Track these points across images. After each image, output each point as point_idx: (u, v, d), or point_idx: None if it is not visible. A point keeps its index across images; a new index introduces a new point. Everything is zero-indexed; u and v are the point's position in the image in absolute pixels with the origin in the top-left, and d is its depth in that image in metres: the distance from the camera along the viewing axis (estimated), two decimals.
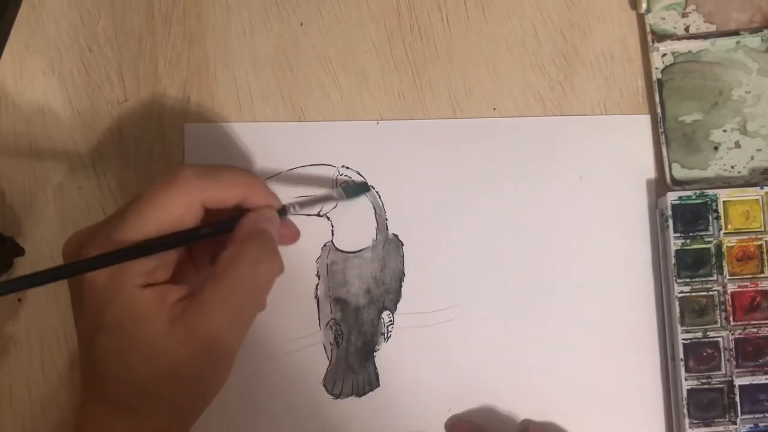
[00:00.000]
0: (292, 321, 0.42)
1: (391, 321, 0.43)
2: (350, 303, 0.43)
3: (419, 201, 0.43)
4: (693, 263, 0.42)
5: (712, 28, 0.44)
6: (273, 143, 0.43)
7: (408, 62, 0.44)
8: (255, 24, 0.44)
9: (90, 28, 0.44)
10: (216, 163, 0.36)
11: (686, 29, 0.44)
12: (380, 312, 0.43)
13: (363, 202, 0.43)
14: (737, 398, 0.41)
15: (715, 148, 0.44)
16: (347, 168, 0.43)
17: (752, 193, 0.42)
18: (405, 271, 0.43)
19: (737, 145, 0.44)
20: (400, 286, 0.43)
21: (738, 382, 0.41)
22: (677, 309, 0.41)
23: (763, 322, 0.41)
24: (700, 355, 0.41)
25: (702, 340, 0.41)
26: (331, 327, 0.43)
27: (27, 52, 0.44)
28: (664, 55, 0.44)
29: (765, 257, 0.42)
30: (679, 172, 0.44)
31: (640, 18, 0.45)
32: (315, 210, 0.43)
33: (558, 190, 0.44)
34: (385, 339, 0.43)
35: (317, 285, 0.43)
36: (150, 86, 0.44)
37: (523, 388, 0.42)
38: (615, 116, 0.44)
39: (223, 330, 0.32)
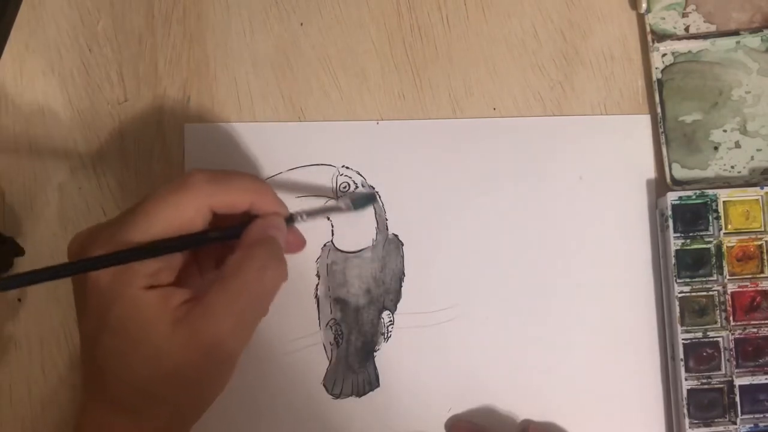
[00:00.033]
0: (292, 321, 0.42)
1: (391, 321, 0.43)
2: (350, 303, 0.43)
3: (419, 201, 0.43)
4: (693, 263, 0.42)
5: (712, 28, 0.44)
6: (273, 143, 0.43)
7: (408, 62, 0.44)
8: (255, 24, 0.44)
9: (90, 28, 0.44)
10: (224, 168, 0.36)
11: (686, 29, 0.44)
12: (380, 312, 0.43)
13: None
14: (737, 398, 0.41)
15: (715, 148, 0.44)
16: (347, 168, 0.43)
17: (752, 193, 0.42)
18: (405, 271, 0.43)
19: (737, 145, 0.44)
20: (400, 286, 0.43)
21: (738, 382, 0.41)
22: (677, 309, 0.41)
23: (763, 322, 0.41)
24: (700, 355, 0.41)
25: (702, 340, 0.41)
26: (331, 327, 0.43)
27: (27, 52, 0.44)
28: (664, 55, 0.44)
29: (765, 257, 0.42)
30: (679, 172, 0.44)
31: (640, 18, 0.45)
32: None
33: (558, 190, 0.44)
34: (385, 339, 0.43)
35: (317, 285, 0.43)
36: (150, 86, 0.44)
37: (523, 388, 0.42)
38: (615, 116, 0.44)
39: (227, 334, 0.32)
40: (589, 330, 0.43)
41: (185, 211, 0.33)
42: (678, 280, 0.42)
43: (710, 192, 0.42)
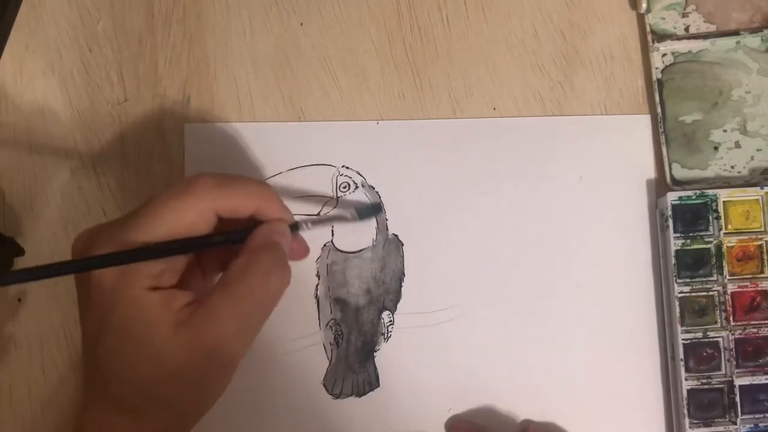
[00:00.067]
0: (292, 321, 0.42)
1: (391, 321, 0.43)
2: (350, 303, 0.43)
3: (419, 201, 0.43)
4: (693, 263, 0.42)
5: (712, 28, 0.44)
6: (273, 143, 0.43)
7: (408, 62, 0.44)
8: (255, 24, 0.44)
9: (90, 28, 0.44)
10: (232, 174, 0.36)
11: (686, 29, 0.44)
12: (380, 312, 0.43)
13: (363, 201, 0.43)
14: (737, 398, 0.41)
15: (715, 148, 0.44)
16: (347, 168, 0.43)
17: (752, 193, 0.42)
18: (405, 271, 0.43)
19: (737, 145, 0.44)
20: (400, 286, 0.43)
21: (738, 382, 0.41)
22: (677, 309, 0.41)
23: (763, 322, 0.41)
24: (700, 355, 0.41)
25: (702, 340, 0.41)
26: (331, 327, 0.43)
27: (27, 52, 0.44)
28: (664, 55, 0.44)
29: (765, 257, 0.42)
30: (679, 172, 0.44)
31: (640, 18, 0.45)
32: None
33: (558, 190, 0.44)
34: (385, 339, 0.43)
35: (317, 285, 0.43)
36: (150, 86, 0.44)
37: (523, 388, 0.42)
38: (615, 116, 0.44)
39: (230, 338, 0.32)
40: (589, 330, 0.43)
41: (190, 214, 0.33)
42: (678, 280, 0.42)
43: (710, 192, 0.42)
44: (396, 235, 0.43)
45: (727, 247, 0.42)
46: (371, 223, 0.43)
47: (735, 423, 0.41)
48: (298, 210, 0.42)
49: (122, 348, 0.32)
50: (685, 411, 0.41)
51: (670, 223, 0.42)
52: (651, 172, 0.44)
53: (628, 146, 0.44)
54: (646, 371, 0.43)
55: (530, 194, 0.44)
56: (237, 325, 0.33)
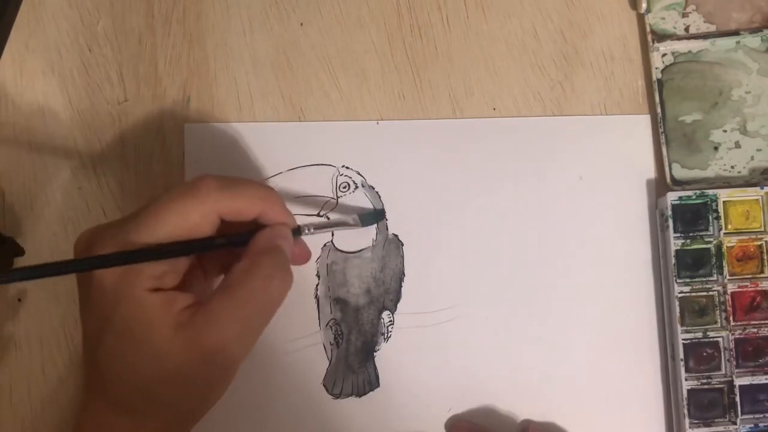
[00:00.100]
0: (292, 321, 0.42)
1: (391, 321, 0.43)
2: (350, 303, 0.43)
3: (419, 201, 0.43)
4: (693, 263, 0.42)
5: (712, 28, 0.44)
6: (273, 143, 0.43)
7: (408, 62, 0.44)
8: (255, 24, 0.44)
9: (90, 28, 0.44)
10: (236, 176, 0.36)
11: (686, 29, 0.44)
12: (380, 312, 0.43)
13: (363, 202, 0.43)
14: (737, 398, 0.41)
15: (715, 148, 0.44)
16: (347, 168, 0.43)
17: (752, 193, 0.42)
18: (405, 271, 0.43)
19: (737, 145, 0.44)
20: (400, 286, 0.43)
21: (738, 382, 0.41)
22: (677, 309, 0.41)
23: (763, 322, 0.41)
24: (700, 355, 0.41)
25: (702, 340, 0.41)
26: (331, 327, 0.43)
27: (27, 52, 0.44)
28: (664, 55, 0.44)
29: (765, 257, 0.42)
30: (679, 172, 0.44)
31: (640, 18, 0.45)
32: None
33: (558, 190, 0.44)
34: (385, 339, 0.43)
35: (317, 285, 0.43)
36: (150, 86, 0.44)
37: (523, 388, 0.42)
38: (615, 116, 0.44)
39: (231, 341, 0.32)
40: (589, 330, 0.43)
41: (193, 216, 0.33)
42: (678, 280, 0.42)
43: (710, 192, 0.42)
44: (396, 235, 0.43)
45: (727, 247, 0.42)
46: None
47: (735, 423, 0.41)
48: (298, 210, 0.42)
49: (123, 348, 0.32)
50: (685, 411, 0.41)
51: (670, 223, 0.42)
52: (651, 172, 0.44)
53: (628, 146, 0.44)
54: (646, 371, 0.43)
55: (530, 194, 0.44)
56: (238, 329, 0.33)
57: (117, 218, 0.35)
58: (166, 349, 0.32)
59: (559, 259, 0.43)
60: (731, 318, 0.41)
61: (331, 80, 0.44)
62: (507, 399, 0.42)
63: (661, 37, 0.44)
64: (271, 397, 0.42)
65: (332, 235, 0.43)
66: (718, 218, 0.42)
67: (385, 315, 0.43)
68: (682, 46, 0.44)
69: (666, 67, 0.44)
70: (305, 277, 0.43)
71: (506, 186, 0.44)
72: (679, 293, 0.42)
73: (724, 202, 0.42)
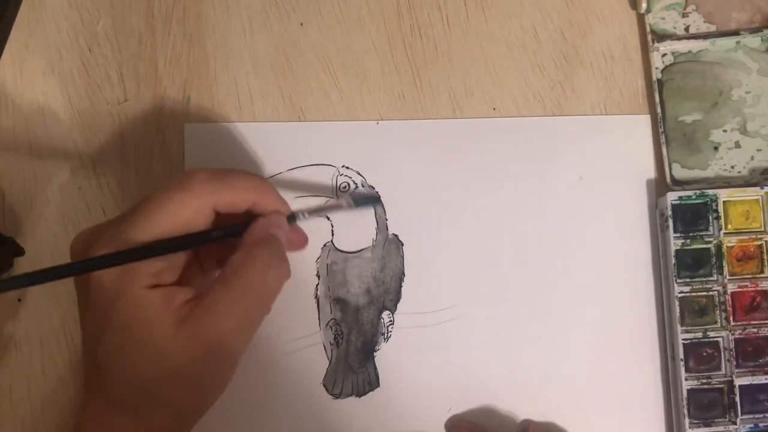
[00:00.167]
0: (292, 321, 0.42)
1: (391, 321, 0.43)
2: (350, 303, 0.43)
3: (419, 201, 0.43)
4: (693, 263, 0.42)
5: (712, 28, 0.44)
6: (273, 143, 0.43)
7: (408, 62, 0.44)
8: (255, 24, 0.44)
9: (90, 28, 0.44)
10: (224, 168, 0.36)
11: (686, 29, 0.44)
12: (380, 312, 0.43)
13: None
14: (737, 398, 0.41)
15: (715, 148, 0.44)
16: (347, 168, 0.43)
17: (752, 193, 0.42)
18: (405, 271, 0.43)
19: (737, 145, 0.44)
20: (400, 286, 0.43)
21: (738, 382, 0.41)
22: (677, 309, 0.41)
23: (763, 322, 0.41)
24: (700, 355, 0.41)
25: (702, 340, 0.41)
26: (331, 327, 0.43)
27: (27, 52, 0.44)
28: (664, 55, 0.44)
29: (765, 257, 0.42)
30: (679, 172, 0.44)
31: (640, 18, 0.45)
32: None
33: (558, 190, 0.44)
34: (385, 339, 0.43)
35: (317, 285, 0.43)
36: (150, 86, 0.44)
37: (523, 388, 0.42)
38: (615, 116, 0.44)
39: (229, 333, 0.33)
40: (589, 330, 0.43)
41: (187, 211, 0.33)
42: (678, 280, 0.42)
43: (710, 192, 0.42)
44: (396, 235, 0.43)
45: (727, 247, 0.42)
46: (371, 223, 0.43)
47: (735, 423, 0.41)
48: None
49: (123, 348, 0.32)
50: (685, 411, 0.41)
51: (670, 223, 0.42)
52: (651, 172, 0.44)
53: (628, 146, 0.44)
54: (646, 371, 0.43)
55: (530, 194, 0.44)
56: (237, 321, 0.33)
57: (106, 219, 0.35)
58: (167, 348, 0.32)
59: (559, 259, 0.43)
60: (731, 318, 0.41)
61: (331, 80, 0.44)
62: (507, 399, 0.42)
63: (661, 37, 0.44)
64: (271, 397, 0.42)
65: (332, 235, 0.43)
66: (718, 218, 0.42)
67: (385, 315, 0.43)
68: (682, 46, 0.44)
69: (666, 67, 0.44)
70: (305, 277, 0.43)
71: (506, 186, 0.44)
72: (679, 293, 0.42)
73: (724, 202, 0.42)
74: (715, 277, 0.42)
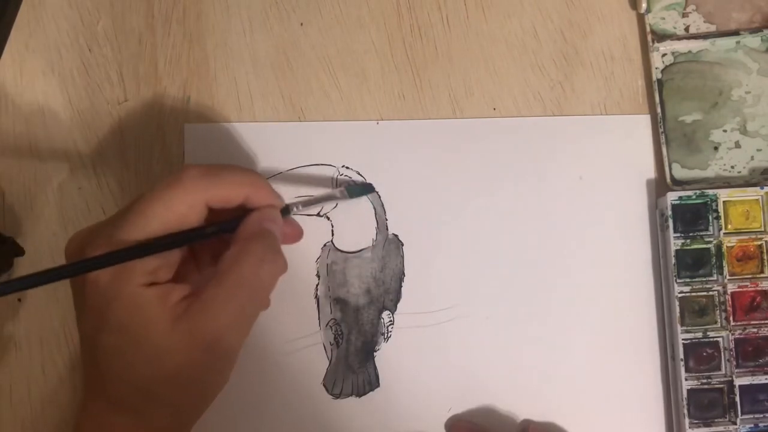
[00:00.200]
0: (292, 321, 0.42)
1: (391, 321, 0.43)
2: (350, 303, 0.43)
3: (419, 201, 0.43)
4: (693, 263, 0.42)
5: (712, 28, 0.44)
6: (273, 143, 0.43)
7: (408, 62, 0.44)
8: (255, 24, 0.44)
9: (90, 28, 0.44)
10: (220, 163, 0.36)
11: (686, 29, 0.44)
12: (380, 312, 0.43)
13: (363, 201, 0.43)
14: (737, 398, 0.41)
15: (715, 148, 0.44)
16: (347, 168, 0.43)
17: (752, 193, 0.42)
18: (405, 271, 0.43)
19: (737, 145, 0.44)
20: (400, 286, 0.43)
21: (738, 382, 0.41)
22: (677, 309, 0.41)
23: (763, 322, 0.41)
24: (700, 355, 0.41)
25: (702, 340, 0.41)
26: (331, 327, 0.43)
27: (27, 52, 0.44)
28: (664, 55, 0.44)
29: (765, 257, 0.42)
30: (679, 172, 0.44)
31: (640, 18, 0.45)
32: (317, 209, 0.43)
33: (558, 190, 0.44)
34: (385, 339, 0.43)
35: (317, 285, 0.43)
36: (150, 86, 0.44)
37: (523, 388, 0.42)
38: (615, 116, 0.44)
39: (226, 329, 0.32)
40: (589, 330, 0.43)
41: (180, 208, 0.33)
42: (678, 280, 0.42)
43: (710, 192, 0.42)
44: (396, 235, 0.43)
45: (727, 247, 0.42)
46: (371, 223, 0.43)
47: (735, 423, 0.41)
48: (300, 209, 0.42)
49: (121, 347, 0.32)
50: (685, 411, 0.41)
51: (670, 223, 0.42)
52: (651, 172, 0.44)
53: (628, 146, 0.44)
54: (646, 371, 0.43)
55: (530, 194, 0.44)
56: (233, 316, 0.33)
57: (104, 218, 0.35)
58: (165, 347, 0.32)
59: (559, 259, 0.43)
60: (731, 318, 0.41)
61: (331, 80, 0.44)
62: (507, 399, 0.42)
63: (661, 37, 0.44)
64: (271, 398, 0.42)
65: (332, 234, 0.43)
66: (718, 218, 0.42)
67: (385, 315, 0.43)
68: (682, 46, 0.44)
69: (666, 67, 0.44)
70: (305, 277, 0.43)
71: (506, 186, 0.44)
72: (679, 293, 0.42)
73: (724, 202, 0.42)
74: (715, 277, 0.42)
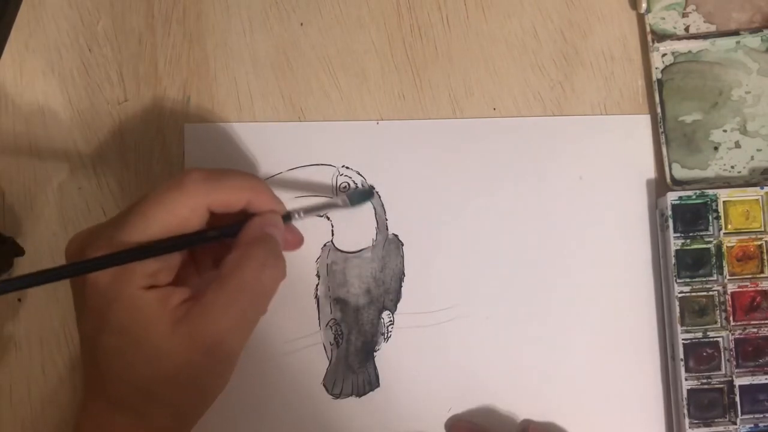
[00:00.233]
0: (292, 321, 0.42)
1: (391, 321, 0.43)
2: (350, 303, 0.43)
3: (419, 201, 0.43)
4: (693, 263, 0.42)
5: (712, 28, 0.44)
6: (273, 143, 0.43)
7: (408, 62, 0.44)
8: (255, 24, 0.44)
9: (90, 28, 0.44)
10: (222, 168, 0.36)
11: (686, 29, 0.44)
12: (380, 312, 0.43)
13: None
14: (737, 398, 0.41)
15: (715, 148, 0.44)
16: (347, 168, 0.43)
17: (752, 193, 0.42)
18: (405, 271, 0.43)
19: (737, 145, 0.44)
20: (400, 286, 0.43)
21: (738, 382, 0.41)
22: (677, 309, 0.41)
23: (763, 322, 0.41)
24: (700, 355, 0.41)
25: (702, 340, 0.41)
26: (331, 327, 0.43)
27: (27, 52, 0.44)
28: (664, 55, 0.44)
29: (765, 257, 0.42)
30: (679, 172, 0.44)
31: (640, 18, 0.45)
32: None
33: (558, 190, 0.44)
34: (385, 339, 0.43)
35: (317, 285, 0.43)
36: (150, 86, 0.44)
37: (523, 388, 0.42)
38: (615, 116, 0.44)
39: (227, 333, 0.32)
40: (589, 330, 0.43)
41: (182, 211, 0.33)
42: (678, 280, 0.42)
43: (710, 192, 0.42)
44: (396, 235, 0.43)
45: (727, 247, 0.42)
46: (371, 223, 0.43)
47: (735, 423, 0.41)
48: (302, 216, 0.42)
49: (121, 348, 0.32)
50: (685, 411, 0.41)
51: (670, 223, 0.42)
52: (651, 172, 0.44)
53: (628, 146, 0.44)
54: (646, 371, 0.43)
55: (530, 194, 0.44)
56: (233, 320, 0.33)
57: (104, 219, 0.35)
58: (165, 348, 0.32)
59: (559, 259, 0.43)
60: (731, 318, 0.41)
61: (331, 80, 0.44)
62: (507, 399, 0.42)
63: (661, 37, 0.44)
64: (271, 398, 0.42)
65: (332, 235, 0.43)
66: (718, 218, 0.42)
67: (385, 315, 0.43)
68: (682, 46, 0.44)
69: (666, 67, 0.44)
70: (305, 277, 0.43)
71: (506, 186, 0.44)
72: (679, 293, 0.42)
73: (724, 202, 0.42)
74: (715, 277, 0.42)
